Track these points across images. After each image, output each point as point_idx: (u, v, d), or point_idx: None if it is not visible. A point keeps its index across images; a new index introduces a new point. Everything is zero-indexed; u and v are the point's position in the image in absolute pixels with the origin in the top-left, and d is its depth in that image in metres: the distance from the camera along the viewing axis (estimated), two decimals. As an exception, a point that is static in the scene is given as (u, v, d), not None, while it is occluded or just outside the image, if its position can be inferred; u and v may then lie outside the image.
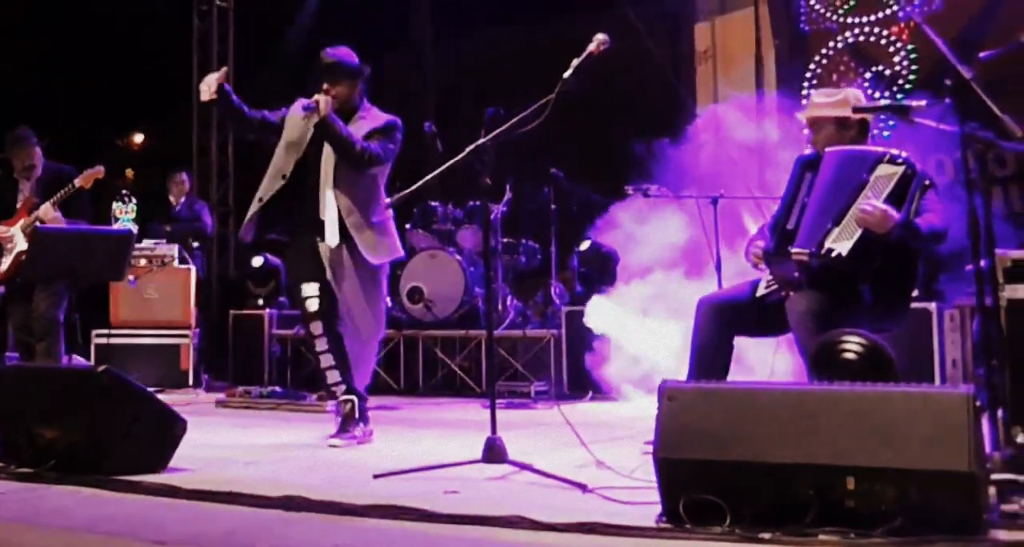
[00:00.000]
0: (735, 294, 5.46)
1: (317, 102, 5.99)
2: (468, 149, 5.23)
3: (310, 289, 6.12)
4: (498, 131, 5.17)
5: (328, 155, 6.13)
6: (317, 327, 6.10)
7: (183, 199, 11.73)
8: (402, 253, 6.45)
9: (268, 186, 6.22)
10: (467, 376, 9.51)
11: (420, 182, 5.54)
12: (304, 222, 6.22)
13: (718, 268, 7.08)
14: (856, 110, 5.15)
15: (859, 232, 4.86)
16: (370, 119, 6.24)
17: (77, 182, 7.97)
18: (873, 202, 4.84)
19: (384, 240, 6.22)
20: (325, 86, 6.10)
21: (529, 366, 9.22)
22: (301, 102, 6.12)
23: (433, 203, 10.14)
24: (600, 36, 5.24)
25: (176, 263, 10.57)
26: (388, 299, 9.61)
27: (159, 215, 11.58)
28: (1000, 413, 4.04)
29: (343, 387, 6.10)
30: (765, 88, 9.80)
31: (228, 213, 13.54)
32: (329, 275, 6.13)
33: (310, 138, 6.18)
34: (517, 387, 8.80)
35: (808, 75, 9.52)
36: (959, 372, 7.13)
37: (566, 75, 5.13)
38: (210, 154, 13.57)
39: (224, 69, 6.30)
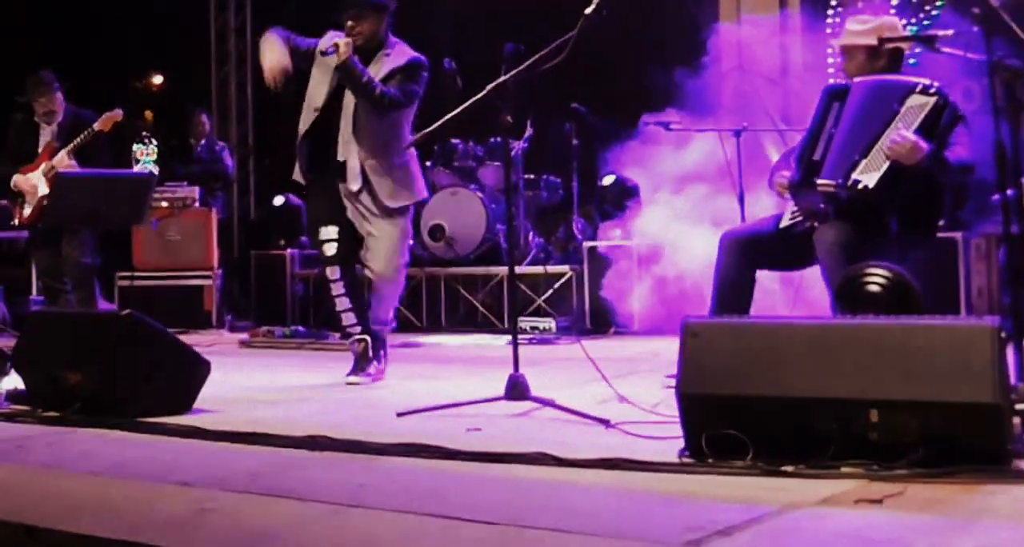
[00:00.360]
0: (758, 228, 5.44)
1: (337, 45, 5.89)
2: (488, 88, 5.16)
3: (328, 232, 6.13)
4: (518, 69, 5.11)
5: (351, 96, 6.05)
6: (334, 272, 6.12)
7: (203, 141, 11.74)
8: (424, 195, 6.42)
9: (305, 119, 6.18)
10: (489, 313, 9.52)
11: (440, 121, 5.49)
12: (326, 163, 6.15)
13: (741, 201, 7.04)
14: (882, 41, 5.09)
15: (887, 164, 4.80)
16: (394, 57, 6.11)
17: (96, 126, 7.94)
18: (903, 133, 4.78)
19: (405, 182, 6.16)
20: (349, 23, 5.99)
21: (551, 302, 9.21)
22: (331, 34, 6.05)
23: (454, 140, 10.09)
24: (621, -32, 5.15)
25: (197, 205, 10.59)
26: (411, 239, 9.64)
27: (179, 157, 11.59)
28: (1025, 342, 4.01)
29: (358, 329, 6.13)
30: (789, 11, 9.67)
31: (248, 154, 13.53)
32: (350, 214, 6.11)
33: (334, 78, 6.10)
34: (540, 323, 8.79)
35: (833, 2, 9.40)
36: (985, 301, 7.11)
37: (587, 11, 5.04)
38: (229, 95, 13.55)
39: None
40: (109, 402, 4.78)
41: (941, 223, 5.40)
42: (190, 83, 13.73)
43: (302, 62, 6.16)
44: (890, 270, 4.39)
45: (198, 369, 5.11)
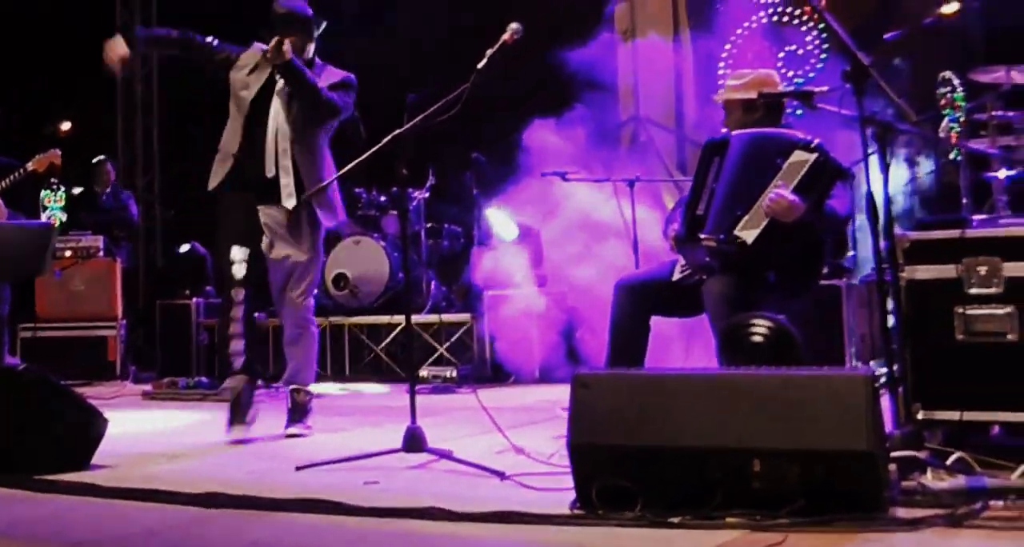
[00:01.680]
0: (652, 274, 5.53)
1: (280, 43, 5.73)
2: (386, 139, 5.23)
3: (239, 254, 5.91)
4: (412, 123, 5.19)
5: (278, 109, 5.93)
6: (239, 294, 5.88)
7: (108, 189, 11.68)
8: (344, 217, 6.37)
9: (236, 141, 5.98)
10: (393, 361, 9.55)
11: (342, 171, 5.58)
12: (243, 180, 5.97)
13: (635, 249, 7.16)
14: (761, 96, 5.25)
15: (766, 221, 4.95)
16: (327, 75, 6.04)
17: (30, 166, 7.86)
18: (781, 192, 4.92)
19: (335, 200, 6.11)
20: (276, 38, 5.80)
21: (453, 350, 9.27)
22: (257, 46, 5.98)
23: (357, 189, 10.15)
24: (513, 25, 5.25)
25: (102, 254, 10.52)
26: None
27: (84, 205, 11.50)
28: (901, 390, 4.16)
29: (241, 360, 5.89)
30: (684, 68, 9.89)
31: (154, 202, 13.46)
32: (265, 244, 5.95)
33: (261, 88, 5.96)
34: (441, 371, 8.84)
35: (724, 55, 9.61)
36: (867, 347, 7.27)
37: (480, 65, 5.15)
38: (135, 143, 13.49)
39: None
40: (4, 458, 4.74)
41: (825, 270, 5.54)
42: (96, 130, 13.63)
43: (218, 69, 6.08)
44: (772, 320, 4.51)
45: (96, 424, 5.07)
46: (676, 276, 5.32)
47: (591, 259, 8.06)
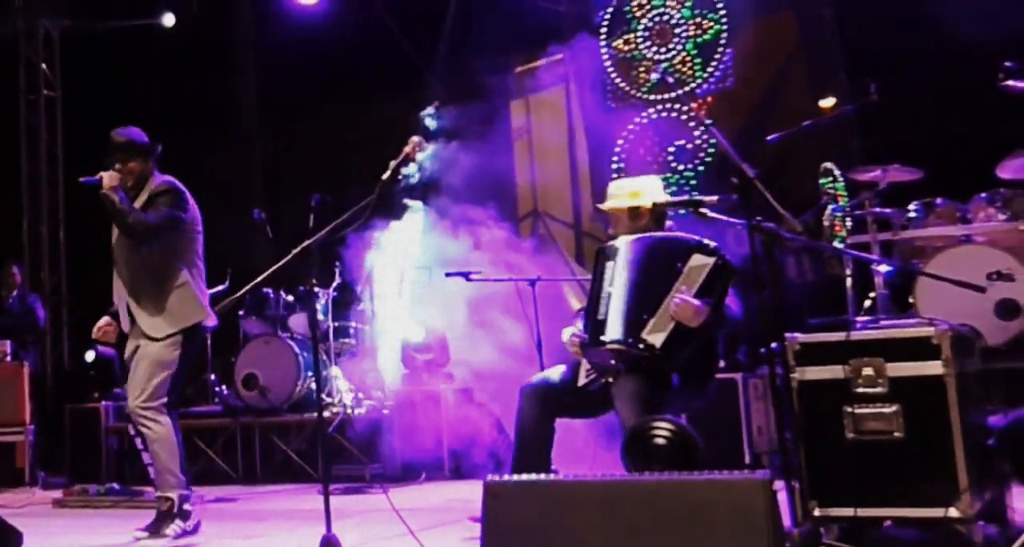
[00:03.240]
0: (556, 379, 5.59)
1: (101, 177, 6.13)
2: (294, 252, 5.32)
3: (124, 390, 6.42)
4: (318, 236, 5.31)
5: (117, 235, 6.27)
6: (131, 428, 6.53)
7: (15, 292, 11.64)
8: (192, 320, 6.21)
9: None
10: (304, 461, 9.51)
11: (251, 285, 5.71)
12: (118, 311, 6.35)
13: (539, 348, 7.28)
14: (656, 205, 5.45)
15: (672, 325, 5.09)
16: (153, 189, 6.27)
17: None
18: (686, 297, 5.07)
19: (172, 310, 6.15)
20: (117, 166, 6.21)
21: (364, 448, 9.20)
22: (82, 180, 6.24)
23: (265, 290, 10.20)
24: (415, 138, 5.44)
25: (9, 359, 10.45)
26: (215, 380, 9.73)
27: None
28: (797, 487, 4.34)
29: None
30: (579, 163, 10.15)
31: (61, 304, 13.37)
32: (132, 368, 6.22)
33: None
34: (352, 471, 8.87)
35: (617, 150, 9.88)
36: (765, 438, 7.45)
37: (384, 177, 5.30)
38: (42, 244, 13.40)
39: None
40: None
41: (721, 364, 5.69)
42: (1, 233, 13.52)
43: None
44: (673, 423, 4.63)
45: (9, 541, 5.07)
46: (582, 380, 5.40)
47: (497, 356, 8.20)
